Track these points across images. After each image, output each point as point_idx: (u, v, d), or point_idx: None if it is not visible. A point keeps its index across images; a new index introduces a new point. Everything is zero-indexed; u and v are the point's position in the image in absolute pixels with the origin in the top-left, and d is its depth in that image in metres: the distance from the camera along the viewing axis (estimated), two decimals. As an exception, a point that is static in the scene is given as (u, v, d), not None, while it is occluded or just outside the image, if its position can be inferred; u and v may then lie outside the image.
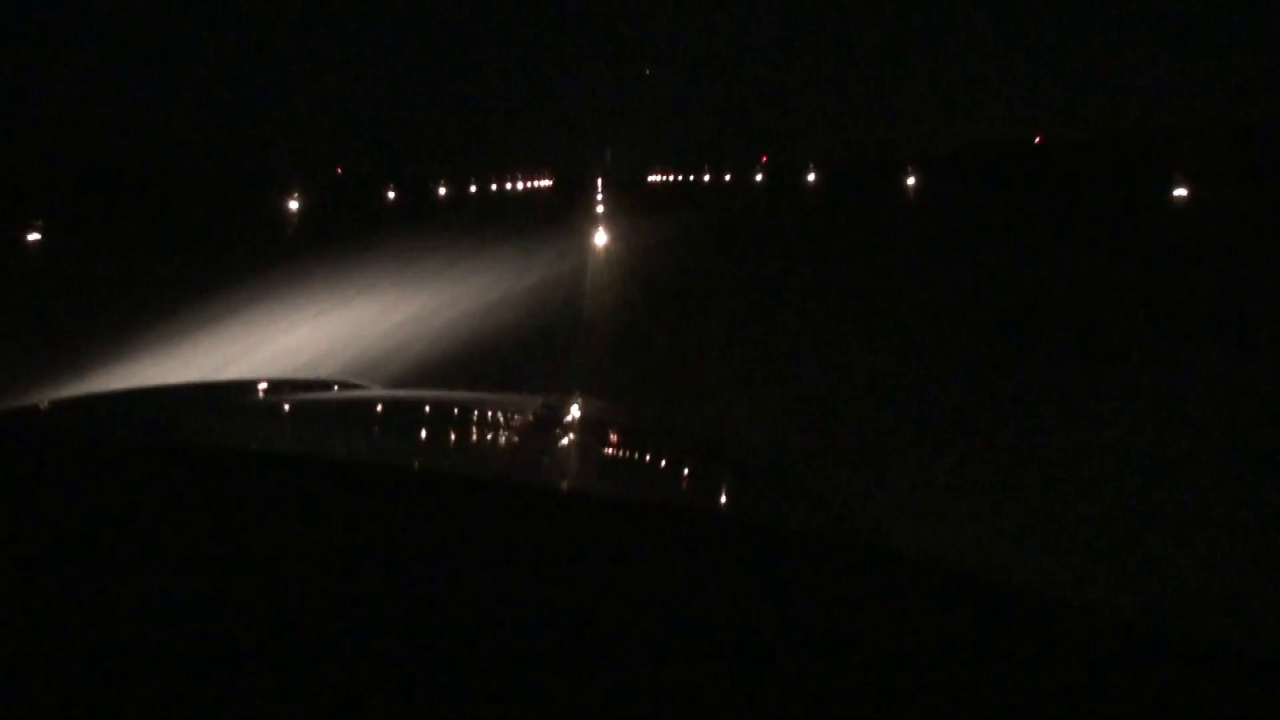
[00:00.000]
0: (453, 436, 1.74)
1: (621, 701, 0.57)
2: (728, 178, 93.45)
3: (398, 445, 1.56)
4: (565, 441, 1.71)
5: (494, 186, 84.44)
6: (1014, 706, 0.60)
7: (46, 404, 1.84)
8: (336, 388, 2.46)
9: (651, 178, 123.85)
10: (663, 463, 1.65)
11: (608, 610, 0.69)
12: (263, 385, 2.25)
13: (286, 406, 1.86)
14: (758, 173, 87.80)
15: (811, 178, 66.14)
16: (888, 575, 0.86)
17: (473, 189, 72.21)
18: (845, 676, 0.62)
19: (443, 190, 61.20)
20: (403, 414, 1.86)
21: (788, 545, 0.94)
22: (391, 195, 50.64)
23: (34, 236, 18.96)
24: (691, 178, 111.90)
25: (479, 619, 0.66)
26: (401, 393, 3.42)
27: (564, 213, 29.07)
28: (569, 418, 1.93)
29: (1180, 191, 28.43)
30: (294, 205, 34.66)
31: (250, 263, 13.92)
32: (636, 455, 1.72)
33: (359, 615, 0.65)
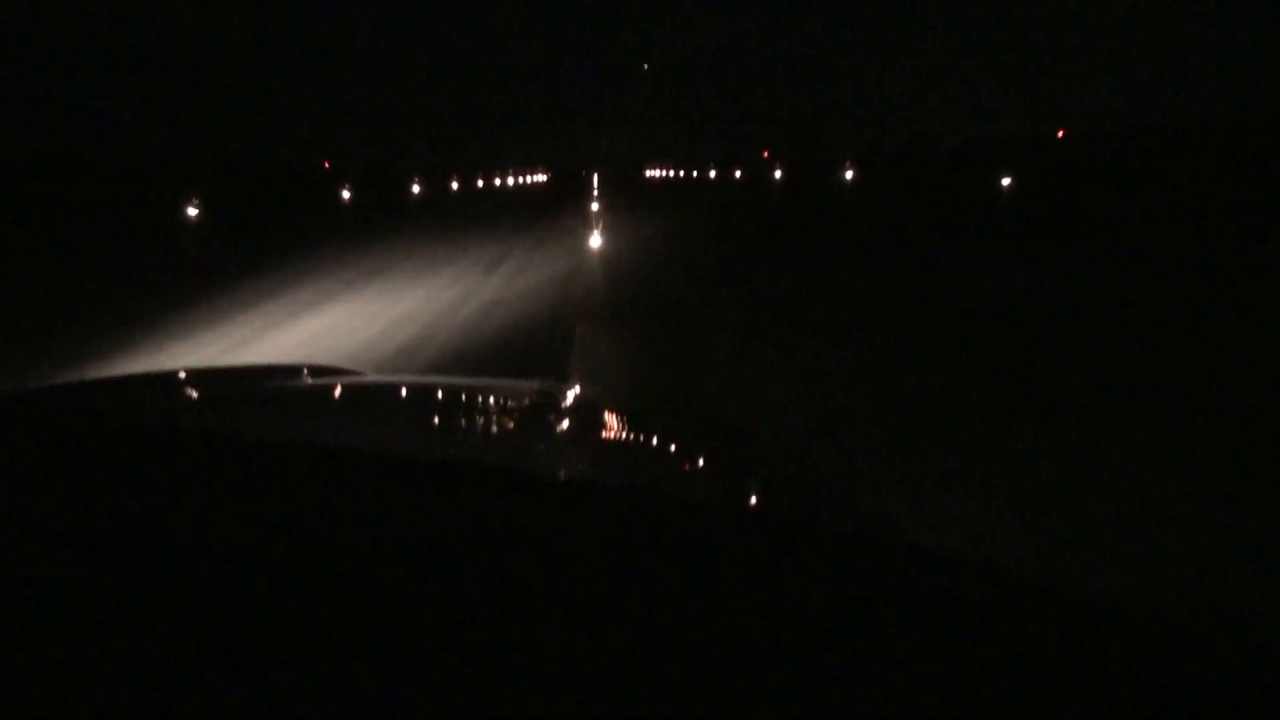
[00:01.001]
0: (440, 422, 1.66)
1: (617, 696, 0.55)
2: (738, 174, 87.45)
3: (385, 431, 1.49)
4: (560, 428, 1.67)
5: (480, 183, 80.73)
6: (1023, 702, 0.57)
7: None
8: (307, 371, 2.15)
9: (650, 172, 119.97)
10: (660, 450, 1.59)
11: (601, 601, 0.67)
12: (246, 370, 2.16)
13: (271, 392, 1.75)
14: (776, 170, 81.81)
15: (840, 175, 59.70)
16: (898, 568, 0.80)
17: (454, 187, 66.82)
18: (850, 672, 0.59)
19: (416, 189, 55.42)
20: (391, 399, 1.79)
21: (791, 536, 0.89)
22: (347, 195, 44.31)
23: None
24: (695, 174, 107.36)
25: (468, 609, 0.64)
26: (391, 378, 3.25)
27: (556, 216, 23.22)
28: (565, 403, 1.90)
29: None
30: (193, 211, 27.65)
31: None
32: (632, 442, 1.65)
33: (342, 605, 0.63)
